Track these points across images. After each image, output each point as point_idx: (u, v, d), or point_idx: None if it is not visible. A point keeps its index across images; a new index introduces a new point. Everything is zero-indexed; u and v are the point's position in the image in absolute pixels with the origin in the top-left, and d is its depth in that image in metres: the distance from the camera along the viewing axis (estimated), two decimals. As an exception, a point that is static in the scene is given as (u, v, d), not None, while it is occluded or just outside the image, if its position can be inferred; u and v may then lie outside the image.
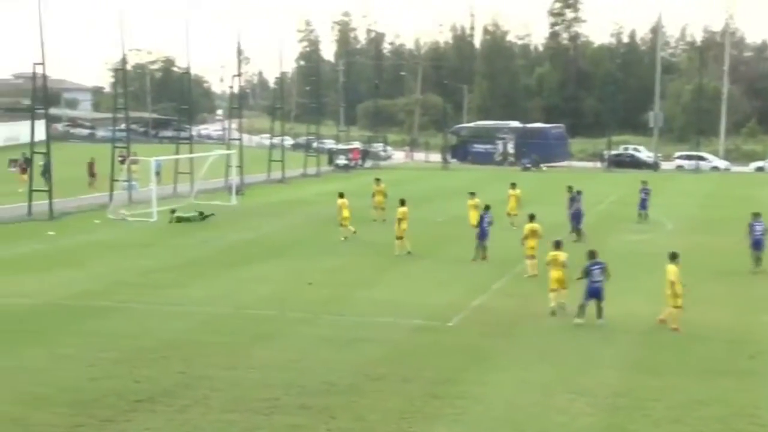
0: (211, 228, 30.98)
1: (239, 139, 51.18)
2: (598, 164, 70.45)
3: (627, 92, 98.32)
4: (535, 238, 21.76)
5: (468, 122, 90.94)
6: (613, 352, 15.32)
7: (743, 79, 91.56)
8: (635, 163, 69.34)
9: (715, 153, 74.08)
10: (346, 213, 26.98)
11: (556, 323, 17.33)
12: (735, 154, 77.15)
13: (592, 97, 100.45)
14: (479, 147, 75.53)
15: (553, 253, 18.12)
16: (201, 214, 32.58)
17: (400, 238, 24.79)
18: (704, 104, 75.91)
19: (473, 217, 27.13)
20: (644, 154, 73.56)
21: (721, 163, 68.35)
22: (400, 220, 24.84)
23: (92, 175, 42.23)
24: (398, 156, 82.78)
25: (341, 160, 66.21)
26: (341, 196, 28.75)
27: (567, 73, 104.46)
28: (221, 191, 43.90)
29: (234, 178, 41.81)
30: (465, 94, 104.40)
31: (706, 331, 16.74)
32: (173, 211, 32.29)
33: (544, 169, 66.98)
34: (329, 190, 47.73)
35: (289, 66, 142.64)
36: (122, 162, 39.08)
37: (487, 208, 24.55)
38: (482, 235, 23.77)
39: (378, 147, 77.41)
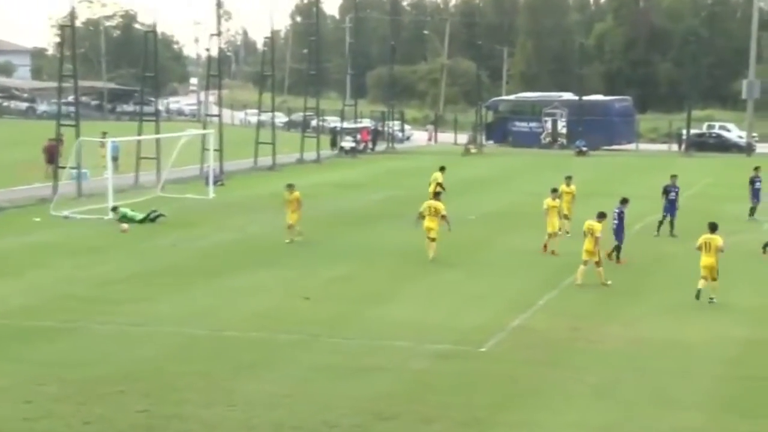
0: (184, 227, 31.24)
1: (218, 116, 51.61)
2: (675, 147, 70.45)
3: (713, 55, 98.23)
4: (590, 240, 22.69)
5: (508, 94, 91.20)
6: (695, 387, 15.38)
7: None
8: (722, 146, 69.37)
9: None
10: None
11: (619, 348, 17.39)
12: None
13: (667, 61, 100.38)
14: (522, 125, 75.75)
15: (707, 236, 21.46)
16: (148, 215, 31.54)
17: (432, 239, 25.24)
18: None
19: (552, 221, 26.60)
20: (734, 133, 73.53)
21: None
22: (429, 214, 25.26)
23: (50, 161, 40.27)
24: (419, 137, 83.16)
25: (348, 143, 66.42)
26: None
27: (636, 31, 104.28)
28: (195, 181, 44.29)
29: (212, 165, 42.07)
30: (504, 58, 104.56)
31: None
32: (114, 209, 32.05)
33: (597, 153, 66.80)
34: (332, 180, 48.17)
35: (282, 23, 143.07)
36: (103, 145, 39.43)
37: (623, 201, 25.92)
38: (617, 236, 25.59)
39: (394, 126, 77.54)
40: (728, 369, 16.28)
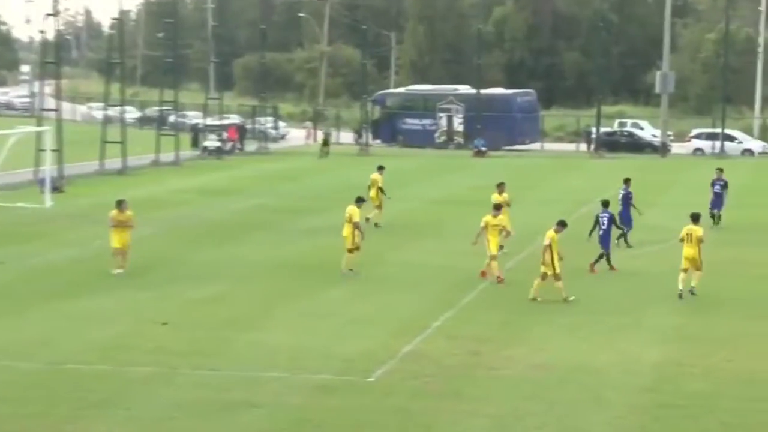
0: (14, 242, 30.56)
1: (56, 110, 50.52)
2: (583, 147, 72.48)
3: (624, 43, 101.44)
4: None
5: (397, 87, 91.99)
6: (606, 418, 15.64)
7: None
8: (635, 145, 71.65)
9: (748, 130, 77.13)
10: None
11: (523, 375, 17.76)
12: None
13: (574, 50, 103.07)
14: (413, 122, 76.65)
15: (689, 227, 24.07)
16: None
17: (353, 249, 26.23)
18: (732, 60, 78.76)
19: (494, 241, 25.60)
20: (648, 131, 76.01)
21: (756, 145, 71.24)
22: (356, 223, 26.32)
23: None
24: (295, 135, 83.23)
25: (212, 142, 65.91)
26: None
27: (538, 16, 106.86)
28: (29, 188, 43.24)
29: (48, 169, 41.23)
30: (392, 45, 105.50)
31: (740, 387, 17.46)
32: None
33: (497, 154, 68.11)
34: (194, 186, 47.74)
35: (132, 2, 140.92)
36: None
37: (606, 204, 27.65)
38: (603, 243, 27.07)
39: (266, 122, 77.34)
40: (641, 397, 16.72)
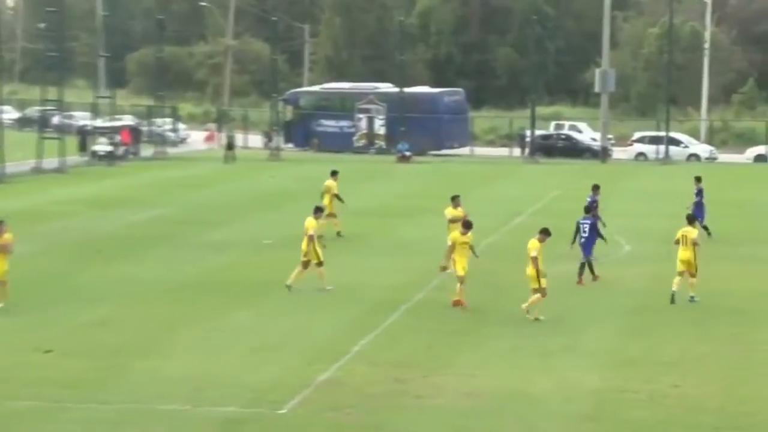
0: None
1: None
2: (517, 151, 73.25)
3: (561, 38, 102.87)
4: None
5: (311, 84, 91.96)
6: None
7: (735, 20, 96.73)
8: (573, 150, 72.63)
9: (695, 133, 78.84)
10: None
11: (452, 404, 17.83)
12: (724, 135, 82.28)
13: (506, 45, 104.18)
14: (329, 124, 76.77)
15: (684, 229, 25.82)
16: None
17: (319, 264, 26.77)
18: (677, 57, 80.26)
19: (461, 261, 24.94)
20: (587, 134, 77.13)
21: (703, 149, 72.71)
22: (310, 236, 26.72)
23: None
24: (197, 138, 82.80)
25: (102, 146, 65.13)
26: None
27: (467, 8, 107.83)
28: None
29: None
30: (306, 39, 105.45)
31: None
32: None
33: (422, 159, 68.48)
34: (82, 196, 47.16)
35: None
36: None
37: (587, 211, 29.23)
38: (585, 250, 28.02)
39: (164, 124, 76.71)
40: (581, 426, 16.90)
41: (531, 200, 45.73)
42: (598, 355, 21.05)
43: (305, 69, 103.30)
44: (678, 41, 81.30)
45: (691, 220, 26.66)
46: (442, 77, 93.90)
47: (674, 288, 25.40)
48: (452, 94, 78.21)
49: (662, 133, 70.26)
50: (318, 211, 27.74)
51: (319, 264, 26.69)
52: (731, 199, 46.07)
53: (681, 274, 25.50)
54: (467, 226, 25.01)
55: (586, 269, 27.92)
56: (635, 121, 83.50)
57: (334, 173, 36.95)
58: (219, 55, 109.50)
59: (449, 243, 25.01)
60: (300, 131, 76.55)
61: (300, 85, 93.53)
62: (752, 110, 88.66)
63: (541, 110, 78.49)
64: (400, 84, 74.18)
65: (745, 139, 78.76)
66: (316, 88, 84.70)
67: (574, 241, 28.34)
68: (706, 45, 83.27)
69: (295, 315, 24.23)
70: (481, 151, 75.78)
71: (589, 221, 28.53)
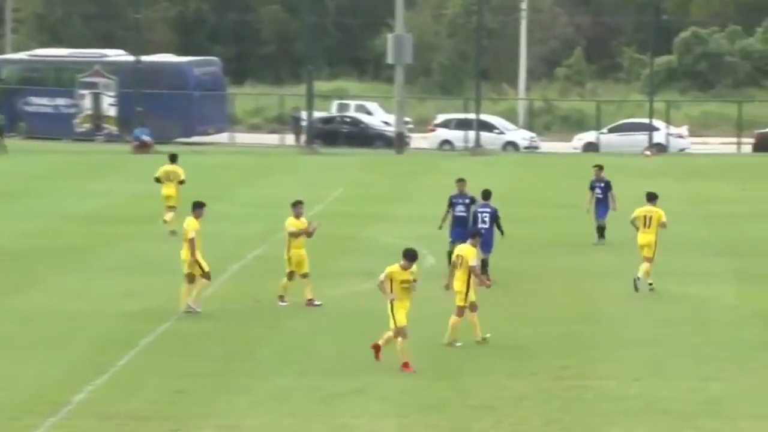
0: None
1: None
2: (290, 138, 73.60)
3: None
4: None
5: (16, 51, 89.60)
6: None
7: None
8: (361, 136, 73.00)
9: (512, 116, 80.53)
10: None
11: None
12: (547, 118, 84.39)
13: (273, 3, 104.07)
14: (41, 103, 75.07)
15: (645, 208, 29.44)
16: None
17: (204, 275, 27.51)
18: (489, 21, 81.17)
19: (401, 307, 23.43)
20: (379, 117, 77.91)
21: (522, 136, 74.54)
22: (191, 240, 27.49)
23: None
24: None
25: None
26: None
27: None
28: None
29: None
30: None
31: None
32: None
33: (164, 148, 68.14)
34: None
35: None
36: None
37: (485, 197, 31.17)
38: (484, 246, 28.74)
39: None
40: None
41: (308, 201, 45.75)
42: (394, 398, 21.32)
43: (7, 30, 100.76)
44: (489, 0, 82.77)
45: (652, 198, 29.30)
46: (192, 42, 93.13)
47: (639, 274, 28.67)
48: (205, 64, 77.76)
49: (472, 116, 71.42)
50: (198, 207, 28.09)
51: (205, 275, 27.22)
52: (553, 200, 47.21)
53: (649, 260, 28.87)
54: (410, 257, 23.17)
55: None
56: (438, 100, 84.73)
57: (173, 157, 39.36)
58: None
59: (381, 278, 23.02)
60: (3, 111, 74.43)
61: (2, 51, 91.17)
62: (580, 87, 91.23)
63: (321, 86, 78.84)
64: (136, 51, 73.22)
65: (572, 124, 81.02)
66: (21, 55, 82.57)
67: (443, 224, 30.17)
68: (524, 6, 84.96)
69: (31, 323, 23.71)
70: (244, 138, 75.62)
71: (488, 209, 29.79)
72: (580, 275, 32.43)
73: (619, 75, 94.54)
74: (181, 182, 38.29)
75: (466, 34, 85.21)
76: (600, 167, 38.52)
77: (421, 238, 35.98)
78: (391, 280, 22.99)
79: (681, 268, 32.82)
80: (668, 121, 71.35)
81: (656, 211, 28.81)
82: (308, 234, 28.36)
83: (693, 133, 73.89)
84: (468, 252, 24.68)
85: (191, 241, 27.24)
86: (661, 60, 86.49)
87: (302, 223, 28.48)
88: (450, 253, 28.23)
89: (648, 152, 65.57)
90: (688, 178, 54.32)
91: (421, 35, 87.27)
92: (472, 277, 24.57)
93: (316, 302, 27.85)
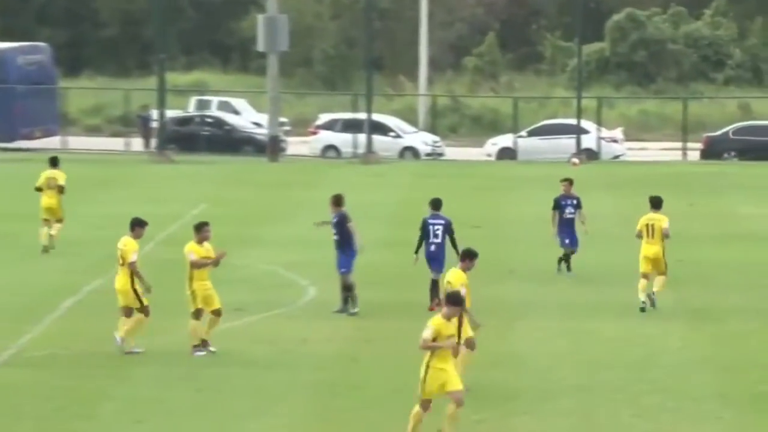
0: None
1: None
2: (137, 142, 73.32)
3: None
4: None
5: None
6: None
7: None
8: (226, 141, 72.63)
9: (410, 116, 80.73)
10: None
11: None
12: (453, 117, 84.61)
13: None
14: None
15: (649, 216, 31.38)
16: None
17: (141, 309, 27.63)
18: (381, 2, 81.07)
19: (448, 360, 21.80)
20: (248, 116, 77.98)
21: (424, 140, 74.46)
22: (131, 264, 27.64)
23: None
24: None
25: None
26: None
27: None
28: None
29: None
30: None
31: None
32: None
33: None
34: None
35: None
36: None
37: (435, 206, 31.74)
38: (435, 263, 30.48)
39: None
40: None
41: (162, 220, 45.44)
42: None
43: None
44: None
45: (657, 203, 30.89)
46: (15, 25, 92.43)
47: (641, 297, 29.91)
48: (30, 51, 77.10)
49: (362, 116, 71.44)
50: (138, 225, 28.23)
51: (143, 310, 27.34)
52: (461, 218, 47.13)
53: (646, 276, 29.77)
54: (455, 301, 21.47)
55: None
56: (321, 96, 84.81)
57: (54, 161, 40.37)
58: None
59: (427, 335, 20.72)
60: None
61: None
62: (493, 81, 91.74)
63: (175, 78, 78.51)
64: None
65: (484, 125, 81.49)
66: None
67: (418, 250, 30.64)
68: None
69: None
70: (79, 142, 74.75)
71: (441, 221, 30.49)
72: (495, 309, 32.26)
73: (541, 66, 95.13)
74: (61, 190, 39.11)
75: (353, 15, 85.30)
76: (569, 181, 38.33)
77: (302, 266, 35.97)
78: (439, 335, 21.02)
79: (617, 300, 33.00)
80: (600, 123, 71.76)
81: (659, 219, 30.49)
82: (215, 264, 28.12)
83: (629, 137, 74.55)
84: (456, 278, 24.70)
85: (132, 265, 27.25)
86: (591, 48, 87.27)
87: (206, 250, 28.08)
88: (434, 283, 29.72)
89: (575, 160, 65.76)
90: (623, 192, 54.66)
91: (299, 17, 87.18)
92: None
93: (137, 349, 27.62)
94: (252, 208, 48.90)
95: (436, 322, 20.85)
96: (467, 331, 23.95)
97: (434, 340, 20.62)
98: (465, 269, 24.91)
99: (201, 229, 28.23)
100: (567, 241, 37.06)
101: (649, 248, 30.27)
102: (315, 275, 34.97)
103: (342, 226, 31.50)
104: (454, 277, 24.67)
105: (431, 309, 29.31)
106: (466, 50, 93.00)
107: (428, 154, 72.29)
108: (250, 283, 34.09)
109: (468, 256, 25.03)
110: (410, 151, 72.19)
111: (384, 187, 52.67)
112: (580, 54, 77.00)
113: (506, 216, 49.18)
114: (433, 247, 30.18)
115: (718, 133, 71.19)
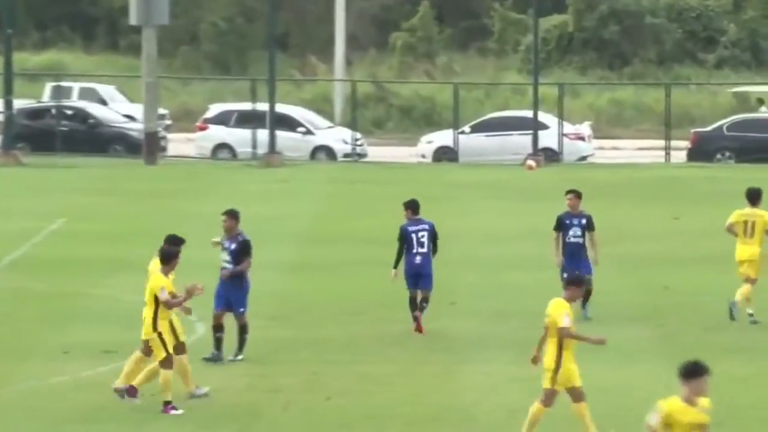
0: None
1: None
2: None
3: None
4: None
5: None
6: None
7: None
8: (90, 138, 72.56)
9: (323, 107, 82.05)
10: None
11: None
12: (378, 109, 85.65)
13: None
14: None
15: (745, 211, 33.29)
16: None
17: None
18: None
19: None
20: (117, 107, 77.89)
21: (339, 137, 75.43)
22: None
23: None
24: None
25: None
26: None
27: None
28: None
29: None
30: None
31: None
32: None
33: None
34: None
35: None
36: None
37: (414, 210, 32.19)
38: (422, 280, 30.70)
39: None
40: None
41: (8, 239, 45.50)
42: None
43: None
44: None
45: (755, 197, 32.75)
46: None
47: (736, 298, 32.13)
48: None
49: (263, 106, 72.01)
50: (172, 257, 27.56)
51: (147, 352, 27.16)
52: (385, 236, 47.13)
53: (748, 279, 32.21)
54: (697, 373, 17.10)
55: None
56: (211, 82, 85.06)
57: None
58: None
59: (651, 423, 17.31)
60: None
61: None
62: (429, 63, 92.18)
63: (25, 60, 78.30)
64: None
65: (417, 118, 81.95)
66: None
67: (397, 264, 31.28)
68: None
69: None
70: None
71: (425, 225, 31.38)
72: (433, 350, 32.40)
73: (487, 44, 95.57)
74: None
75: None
76: (577, 194, 37.84)
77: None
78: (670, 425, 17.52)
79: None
80: (562, 115, 72.13)
81: (761, 215, 32.03)
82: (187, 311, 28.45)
83: (599, 133, 74.95)
84: (558, 309, 23.67)
85: (168, 303, 26.84)
86: (550, 22, 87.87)
87: (173, 281, 27.84)
88: (413, 300, 30.71)
89: (531, 162, 66.13)
90: (592, 202, 54.50)
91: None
92: (566, 343, 23.63)
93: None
94: (123, 224, 48.82)
95: (672, 406, 17.17)
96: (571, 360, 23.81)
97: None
98: (571, 299, 23.99)
99: (171, 259, 27.74)
100: (578, 267, 34.88)
101: (745, 249, 32.16)
102: (204, 309, 34.90)
103: (239, 255, 31.11)
104: (555, 308, 23.61)
105: (418, 330, 30.79)
106: (394, 24, 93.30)
107: (347, 155, 72.69)
108: (120, 317, 33.91)
109: (573, 283, 24.36)
110: (324, 151, 72.54)
111: (291, 197, 52.74)
112: (536, 29, 77.83)
113: (444, 232, 49.04)
114: (418, 259, 30.69)
115: (710, 128, 71.78)
